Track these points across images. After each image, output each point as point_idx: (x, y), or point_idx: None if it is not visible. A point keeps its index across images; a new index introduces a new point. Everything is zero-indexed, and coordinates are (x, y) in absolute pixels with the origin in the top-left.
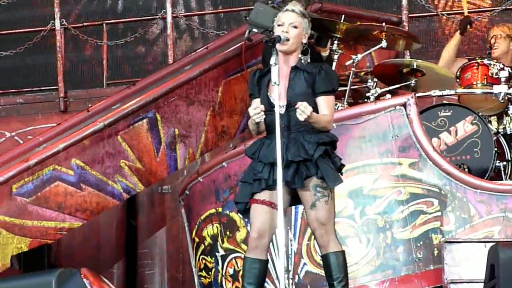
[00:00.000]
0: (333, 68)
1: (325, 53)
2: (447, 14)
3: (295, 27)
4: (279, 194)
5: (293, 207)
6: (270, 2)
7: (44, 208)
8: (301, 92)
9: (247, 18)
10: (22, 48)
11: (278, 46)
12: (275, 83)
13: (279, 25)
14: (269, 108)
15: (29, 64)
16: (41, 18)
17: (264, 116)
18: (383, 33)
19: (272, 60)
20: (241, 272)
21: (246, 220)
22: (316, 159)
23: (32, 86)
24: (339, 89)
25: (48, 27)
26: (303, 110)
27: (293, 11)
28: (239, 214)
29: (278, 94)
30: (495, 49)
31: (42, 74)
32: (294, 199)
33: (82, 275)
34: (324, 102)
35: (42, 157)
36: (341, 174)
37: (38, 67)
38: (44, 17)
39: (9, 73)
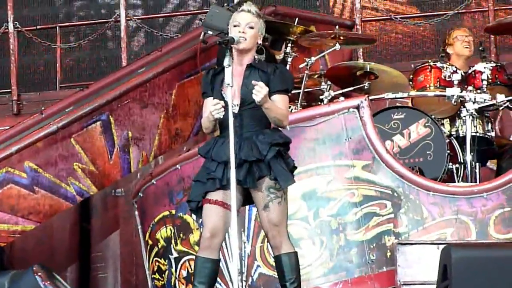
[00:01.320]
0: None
1: (279, 56)
2: (400, 17)
3: (251, 27)
4: (233, 194)
5: (247, 210)
6: (225, 4)
7: None
8: None
9: (202, 20)
10: None
11: (234, 46)
12: (228, 84)
13: (235, 26)
14: (223, 107)
15: None
16: None
17: (223, 112)
18: (337, 37)
19: (226, 61)
20: None
21: (200, 220)
22: (269, 160)
23: None
24: (293, 91)
25: (1, 29)
26: (258, 90)
27: (249, 11)
28: (191, 213)
29: (231, 94)
30: (467, 48)
31: None
32: (247, 200)
33: (34, 272)
34: (280, 100)
35: None
36: (293, 175)
37: None
38: None
39: None
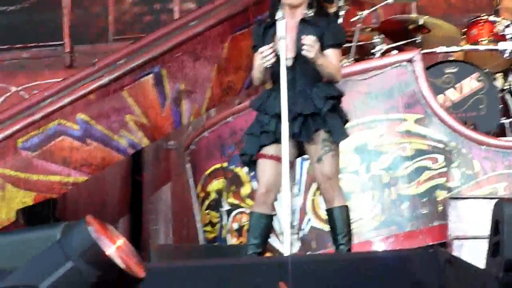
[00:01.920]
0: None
1: (332, 9)
2: None
3: None
4: (284, 147)
5: (298, 163)
6: None
7: (49, 162)
8: None
9: None
10: (28, 3)
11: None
12: (281, 37)
13: None
14: (276, 60)
15: (35, 19)
16: None
17: (273, 60)
18: None
19: (279, 14)
20: (245, 227)
21: (252, 173)
22: (324, 113)
23: (38, 41)
24: (345, 45)
25: None
26: (311, 45)
27: None
28: (244, 167)
29: (285, 48)
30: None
31: (48, 29)
32: (300, 152)
33: (86, 222)
34: (332, 55)
35: (48, 111)
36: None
37: (44, 22)
38: None
39: (15, 28)
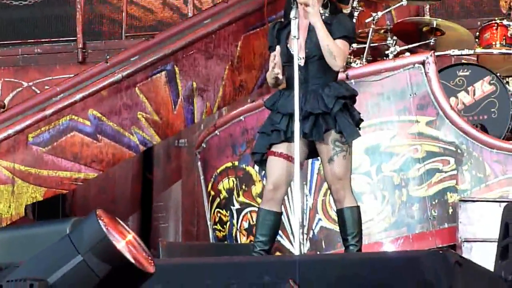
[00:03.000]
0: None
1: (346, 10)
2: None
3: None
4: (296, 147)
5: (310, 163)
6: None
7: (59, 158)
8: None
9: None
10: None
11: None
12: (294, 36)
13: None
14: (289, 60)
15: (48, 14)
16: None
17: (279, 72)
18: None
19: (292, 13)
20: None
21: (263, 172)
22: (335, 113)
23: (51, 36)
24: (358, 46)
25: None
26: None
27: None
28: (255, 165)
29: (297, 47)
30: (511, 9)
31: (61, 25)
32: (311, 152)
33: (97, 216)
34: (340, 43)
35: (59, 107)
36: (359, 129)
37: (57, 18)
38: None
39: (28, 23)
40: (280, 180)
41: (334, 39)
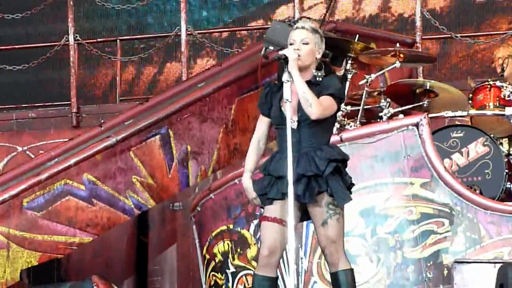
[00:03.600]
0: (347, 87)
1: (339, 72)
2: (461, 36)
3: (306, 43)
4: (290, 210)
5: (305, 225)
6: (287, 20)
7: (54, 223)
8: None
9: (264, 35)
10: (35, 62)
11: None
12: (287, 99)
13: (290, 44)
14: (282, 122)
15: (42, 79)
16: (55, 33)
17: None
18: (397, 55)
19: (285, 76)
20: None
21: (257, 235)
22: (326, 176)
23: (45, 101)
24: (352, 108)
25: (61, 42)
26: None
27: (303, 27)
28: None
29: (290, 110)
30: (504, 71)
31: (55, 89)
32: (304, 215)
33: (92, 282)
34: (323, 98)
35: (54, 171)
36: (351, 193)
37: (51, 82)
38: (58, 32)
39: (22, 88)
40: (275, 245)
41: (322, 95)
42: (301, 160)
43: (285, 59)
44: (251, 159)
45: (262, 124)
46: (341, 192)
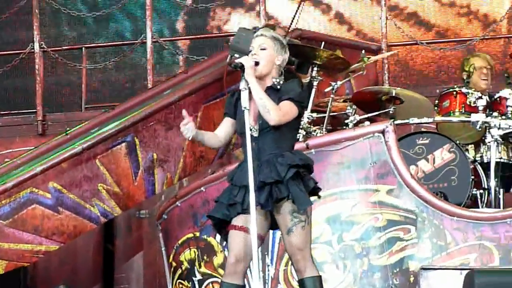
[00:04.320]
0: (312, 94)
1: (305, 80)
2: (426, 42)
3: (264, 49)
4: (252, 218)
5: (271, 233)
6: (253, 28)
7: (20, 231)
8: None
9: (229, 43)
10: (1, 70)
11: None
12: (245, 107)
13: (250, 51)
14: (244, 130)
15: (7, 87)
16: (21, 41)
17: (191, 133)
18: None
19: (242, 84)
20: None
21: (224, 243)
22: (287, 181)
23: (11, 109)
24: (318, 115)
25: (27, 50)
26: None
27: (261, 35)
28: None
29: (250, 118)
30: (485, 80)
31: (21, 97)
32: (273, 224)
33: None
34: (283, 103)
35: (20, 179)
36: (319, 197)
37: (16, 90)
38: (23, 40)
39: None
40: (242, 253)
41: (282, 100)
42: (262, 167)
43: (242, 67)
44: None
45: (224, 122)
46: (301, 197)
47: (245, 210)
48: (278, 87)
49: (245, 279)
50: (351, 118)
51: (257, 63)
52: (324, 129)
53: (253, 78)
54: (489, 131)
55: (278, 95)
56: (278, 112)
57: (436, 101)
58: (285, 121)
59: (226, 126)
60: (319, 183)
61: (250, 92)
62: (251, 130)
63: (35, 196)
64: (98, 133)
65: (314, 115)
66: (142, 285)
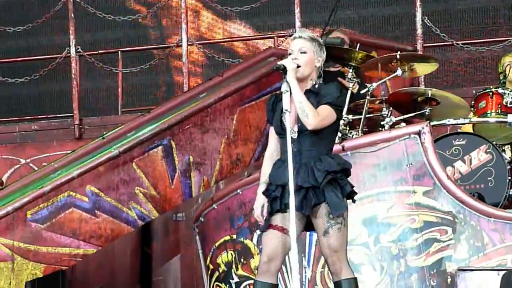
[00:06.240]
0: (348, 96)
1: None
2: (462, 43)
3: (304, 52)
4: (292, 219)
5: (308, 235)
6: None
7: (58, 235)
8: None
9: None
10: (37, 75)
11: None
12: (286, 110)
13: (289, 54)
14: (282, 132)
15: (44, 91)
16: (57, 45)
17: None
18: (398, 62)
19: (283, 87)
20: None
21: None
22: (323, 187)
23: (47, 113)
24: (354, 117)
25: (63, 54)
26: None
27: (300, 37)
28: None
29: (291, 120)
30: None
31: (57, 101)
32: (308, 225)
33: None
34: (322, 108)
35: (57, 183)
36: (354, 201)
37: (53, 94)
38: (59, 45)
39: (25, 100)
40: (275, 252)
41: (320, 104)
42: (300, 170)
43: (284, 69)
44: (266, 171)
45: (273, 136)
46: (336, 203)
47: (282, 210)
48: (317, 90)
49: (283, 282)
50: (387, 119)
51: (298, 66)
52: (360, 131)
53: (295, 80)
54: None
55: (317, 99)
56: (316, 117)
57: (472, 102)
58: (323, 125)
59: (275, 140)
60: (355, 185)
61: (290, 94)
62: (291, 131)
63: (72, 200)
64: (134, 137)
65: (350, 117)
66: None
